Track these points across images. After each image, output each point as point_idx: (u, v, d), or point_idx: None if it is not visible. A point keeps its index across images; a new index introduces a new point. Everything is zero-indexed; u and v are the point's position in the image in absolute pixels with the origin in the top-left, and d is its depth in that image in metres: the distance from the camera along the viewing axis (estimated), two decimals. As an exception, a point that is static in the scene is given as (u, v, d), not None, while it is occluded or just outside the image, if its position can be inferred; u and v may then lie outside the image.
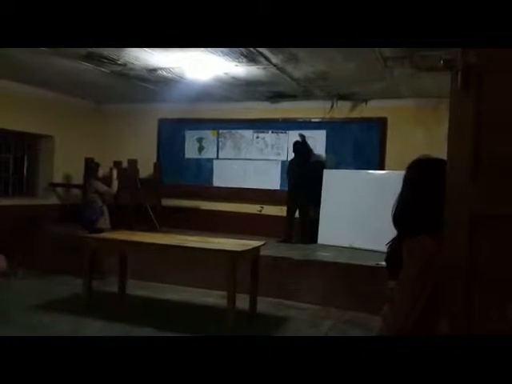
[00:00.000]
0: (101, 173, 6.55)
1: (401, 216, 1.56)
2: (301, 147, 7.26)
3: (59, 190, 8.37)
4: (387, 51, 4.76)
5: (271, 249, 5.84)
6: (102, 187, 6.35)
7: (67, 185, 8.32)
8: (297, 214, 7.21)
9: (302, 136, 7.37)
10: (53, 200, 8.23)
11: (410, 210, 1.55)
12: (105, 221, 6.29)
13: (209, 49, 4.89)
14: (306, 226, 7.12)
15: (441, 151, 1.46)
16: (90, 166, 6.79)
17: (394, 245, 1.57)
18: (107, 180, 6.69)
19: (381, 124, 7.33)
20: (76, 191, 8.19)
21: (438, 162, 1.54)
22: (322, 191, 7.25)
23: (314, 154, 7.47)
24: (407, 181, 1.60)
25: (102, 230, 5.96)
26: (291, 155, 7.72)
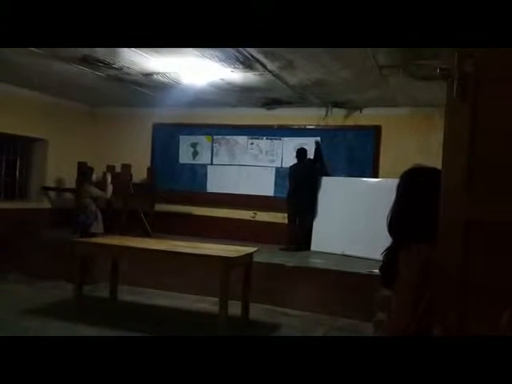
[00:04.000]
0: (94, 177, 6.52)
1: (396, 225, 1.57)
2: (303, 155, 7.23)
3: (52, 193, 8.32)
4: (382, 59, 4.79)
5: (264, 255, 5.83)
6: (96, 192, 6.32)
7: (60, 189, 8.27)
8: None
9: (317, 143, 7.37)
10: (45, 204, 8.17)
11: (405, 219, 1.55)
12: (98, 225, 6.26)
13: (205, 54, 4.90)
14: (305, 234, 7.12)
15: (435, 159, 1.47)
16: (84, 171, 6.76)
17: (389, 254, 1.57)
18: (100, 184, 6.66)
19: (375, 132, 7.36)
20: (68, 195, 8.15)
21: (431, 171, 1.55)
22: (317, 198, 7.27)
23: (324, 163, 7.42)
24: (401, 190, 1.61)
25: (94, 235, 5.92)
26: (285, 162, 7.75)
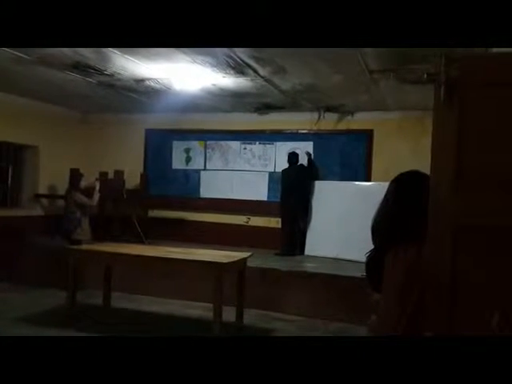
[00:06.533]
0: (83, 184, 6.48)
1: (385, 227, 1.57)
2: (295, 159, 7.24)
3: (44, 201, 8.27)
4: (373, 64, 4.82)
5: (258, 260, 5.82)
6: (81, 198, 6.29)
7: (52, 196, 8.22)
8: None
9: (309, 154, 7.38)
10: (38, 211, 8.11)
11: (395, 222, 1.56)
12: (82, 232, 6.21)
13: (196, 60, 4.90)
14: (299, 238, 7.12)
15: (426, 163, 1.48)
16: (73, 177, 6.73)
17: (374, 254, 1.58)
18: (91, 191, 6.62)
19: (367, 136, 7.40)
20: (61, 202, 8.10)
21: (421, 175, 1.56)
22: (310, 202, 7.28)
23: (317, 173, 7.39)
24: (392, 193, 1.61)
25: (80, 241, 5.89)
26: (279, 166, 7.75)
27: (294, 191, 7.06)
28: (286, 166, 7.35)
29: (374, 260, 1.57)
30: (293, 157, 7.27)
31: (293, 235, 7.12)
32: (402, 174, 1.65)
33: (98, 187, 6.65)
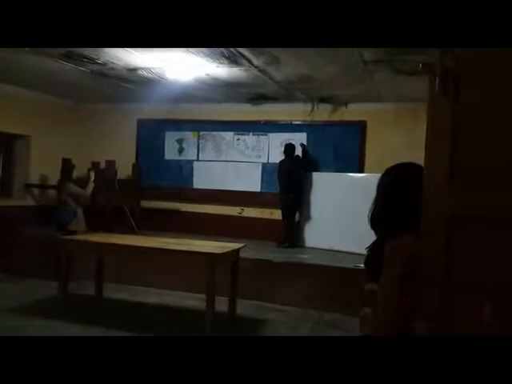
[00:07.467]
0: (76, 174, 6.44)
1: (382, 218, 1.58)
2: (292, 150, 7.23)
3: (35, 190, 8.21)
4: (368, 55, 4.80)
5: (251, 251, 5.83)
6: (75, 189, 6.24)
7: (43, 186, 8.17)
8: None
9: (303, 145, 7.39)
10: (28, 201, 8.07)
11: (392, 212, 1.56)
12: (78, 223, 6.18)
13: (190, 49, 4.86)
14: (298, 230, 7.15)
15: (419, 154, 1.48)
16: (65, 167, 6.68)
17: (375, 247, 1.58)
18: (84, 181, 6.58)
19: (361, 127, 7.40)
20: (52, 192, 8.05)
21: (415, 166, 1.56)
22: (307, 194, 7.30)
23: (314, 165, 7.42)
24: (387, 184, 1.61)
25: (74, 233, 5.86)
26: (272, 157, 7.75)
27: (291, 183, 7.06)
28: (280, 157, 7.34)
29: (374, 249, 1.57)
30: (289, 148, 7.25)
31: (292, 226, 7.14)
32: (392, 168, 1.64)
33: (92, 177, 6.60)
